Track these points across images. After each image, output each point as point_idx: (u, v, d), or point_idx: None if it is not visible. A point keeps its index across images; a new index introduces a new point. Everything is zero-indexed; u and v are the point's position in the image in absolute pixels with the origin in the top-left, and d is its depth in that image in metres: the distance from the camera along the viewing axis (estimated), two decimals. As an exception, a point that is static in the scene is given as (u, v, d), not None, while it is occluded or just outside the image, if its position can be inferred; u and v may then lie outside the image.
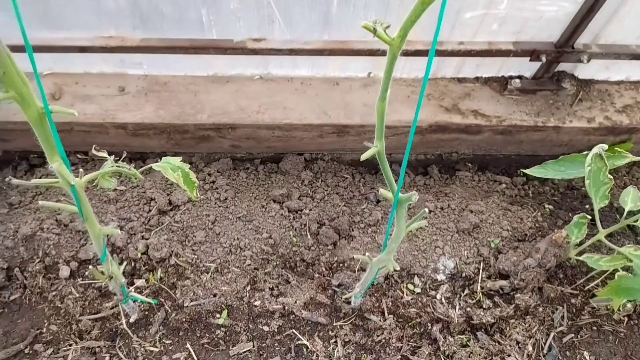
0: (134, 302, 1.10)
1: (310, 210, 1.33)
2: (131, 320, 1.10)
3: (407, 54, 1.32)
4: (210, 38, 1.30)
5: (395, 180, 0.72)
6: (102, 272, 0.87)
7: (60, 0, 1.20)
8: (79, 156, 1.45)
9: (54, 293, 1.13)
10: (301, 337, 1.13)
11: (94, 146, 0.80)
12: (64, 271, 1.14)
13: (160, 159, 0.87)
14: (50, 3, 1.21)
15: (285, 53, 1.32)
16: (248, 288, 1.17)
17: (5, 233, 1.17)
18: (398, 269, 1.05)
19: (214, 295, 1.15)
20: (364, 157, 0.70)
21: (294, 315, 1.15)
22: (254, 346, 1.11)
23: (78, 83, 1.39)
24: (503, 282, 1.20)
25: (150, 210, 1.27)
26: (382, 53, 1.47)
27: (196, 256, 1.20)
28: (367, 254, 0.94)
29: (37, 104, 0.63)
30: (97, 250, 0.85)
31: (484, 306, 1.16)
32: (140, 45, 1.28)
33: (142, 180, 1.36)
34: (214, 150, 1.48)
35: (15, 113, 1.32)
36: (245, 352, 1.10)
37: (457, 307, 1.16)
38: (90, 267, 1.04)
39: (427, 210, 0.80)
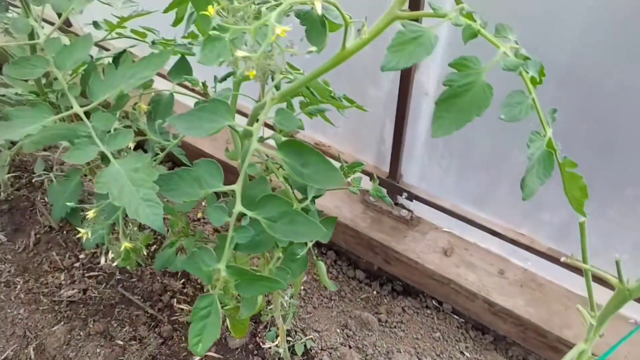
0: None
1: None
2: None
3: None
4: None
5: None
6: None
7: (499, 195, 1.46)
8: (434, 302, 1.67)
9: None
10: None
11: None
12: (414, 410, 1.30)
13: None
14: (486, 192, 1.48)
15: (687, 322, 1.31)
16: None
17: (380, 349, 1.42)
18: None
19: None
20: None
21: None
22: None
23: (467, 250, 1.63)
24: None
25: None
26: None
27: None
28: None
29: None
30: None
31: None
32: (545, 253, 1.45)
33: None
34: (549, 358, 1.52)
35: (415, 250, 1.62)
36: None
37: None
38: None
39: None
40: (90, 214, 0.79)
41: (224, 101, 0.71)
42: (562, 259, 0.70)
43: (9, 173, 1.67)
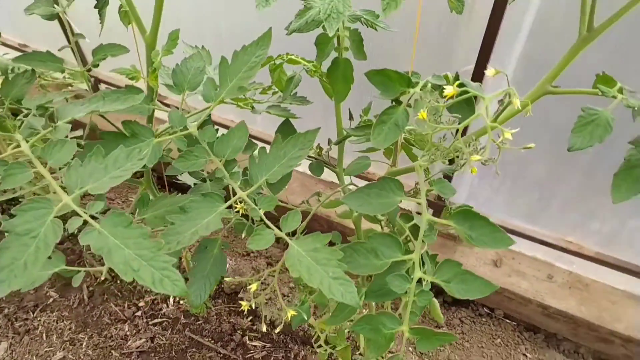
0: None
1: None
2: None
3: None
4: (656, 270, 1.54)
5: None
6: None
7: (550, 211, 1.57)
8: (485, 310, 1.78)
9: None
10: None
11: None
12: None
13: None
14: (536, 208, 1.59)
15: None
16: None
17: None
18: None
19: None
20: None
21: None
22: None
23: (514, 259, 1.74)
24: None
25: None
26: None
27: None
28: None
29: None
30: None
31: None
32: (593, 257, 1.57)
33: None
34: (605, 351, 1.65)
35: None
36: None
37: None
38: None
39: None
40: (254, 287, 0.83)
41: (393, 179, 0.77)
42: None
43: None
